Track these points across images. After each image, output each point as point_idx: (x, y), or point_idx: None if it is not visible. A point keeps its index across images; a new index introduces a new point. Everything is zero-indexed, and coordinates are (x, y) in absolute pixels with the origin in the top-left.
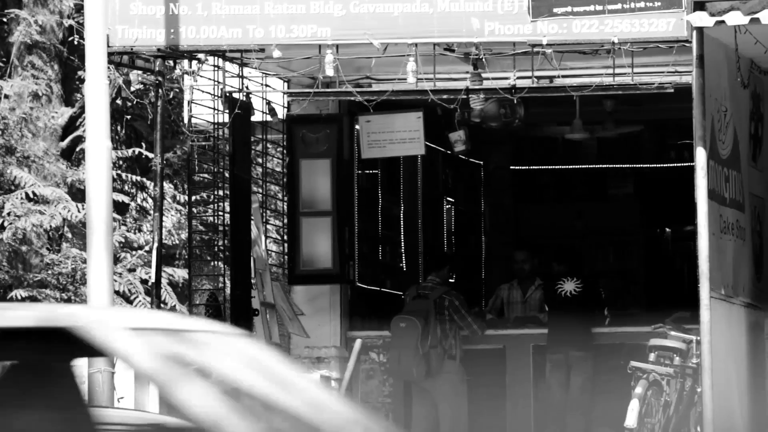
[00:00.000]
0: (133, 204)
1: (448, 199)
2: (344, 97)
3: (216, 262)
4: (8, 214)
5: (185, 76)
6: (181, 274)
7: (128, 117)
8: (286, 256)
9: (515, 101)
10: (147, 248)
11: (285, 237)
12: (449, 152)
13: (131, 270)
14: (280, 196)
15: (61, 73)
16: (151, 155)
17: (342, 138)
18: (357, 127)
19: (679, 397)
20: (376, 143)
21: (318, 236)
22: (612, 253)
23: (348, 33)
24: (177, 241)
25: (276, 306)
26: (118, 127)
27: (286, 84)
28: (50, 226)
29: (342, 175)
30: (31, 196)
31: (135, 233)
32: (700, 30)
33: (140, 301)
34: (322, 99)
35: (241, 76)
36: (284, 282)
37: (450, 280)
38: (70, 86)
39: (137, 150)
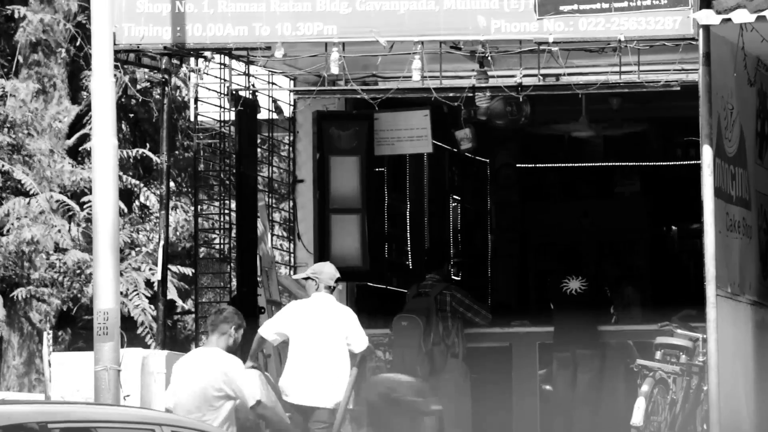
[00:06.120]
0: (137, 202)
1: (455, 197)
2: (350, 95)
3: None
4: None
5: (191, 74)
6: (186, 271)
7: (131, 115)
8: (292, 255)
9: (521, 99)
10: (153, 247)
11: (291, 236)
12: (455, 150)
13: (137, 269)
14: (287, 194)
15: (67, 72)
16: (154, 156)
17: (372, 135)
18: None
19: (686, 395)
20: (384, 141)
21: (346, 233)
22: (618, 251)
23: (354, 31)
24: (182, 240)
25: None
26: (123, 127)
27: (292, 82)
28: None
29: (372, 172)
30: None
31: (136, 233)
32: (707, 28)
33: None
34: (328, 97)
35: (248, 74)
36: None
37: (453, 277)
38: (77, 84)
39: (142, 151)
